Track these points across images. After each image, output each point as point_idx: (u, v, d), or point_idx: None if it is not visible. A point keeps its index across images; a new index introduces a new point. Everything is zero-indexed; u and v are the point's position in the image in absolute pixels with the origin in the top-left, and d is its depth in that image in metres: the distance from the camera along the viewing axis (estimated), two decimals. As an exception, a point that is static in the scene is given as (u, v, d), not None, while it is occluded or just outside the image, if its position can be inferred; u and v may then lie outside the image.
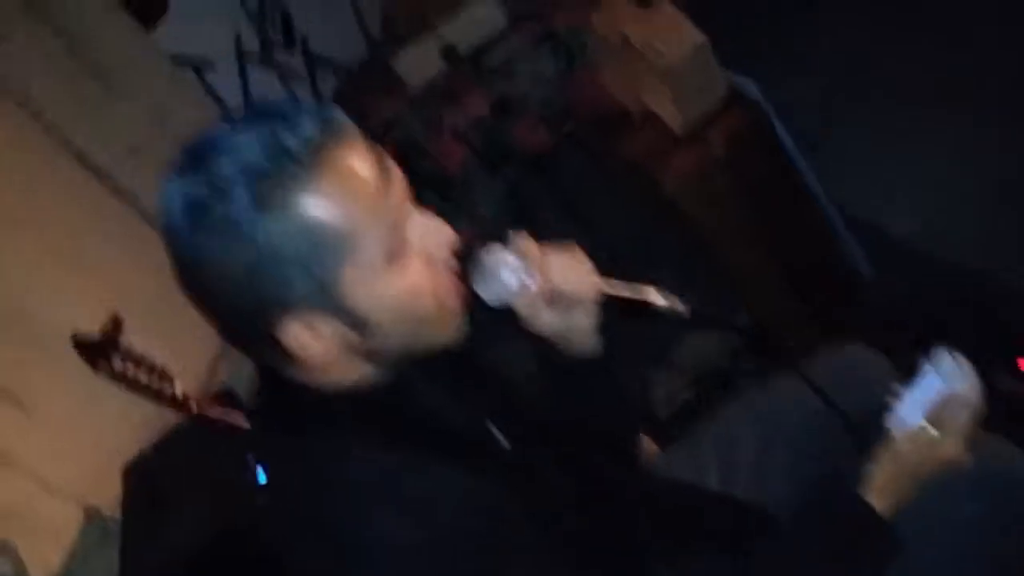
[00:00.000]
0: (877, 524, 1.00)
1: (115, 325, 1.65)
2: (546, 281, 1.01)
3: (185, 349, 1.93)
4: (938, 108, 2.31)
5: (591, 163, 2.32)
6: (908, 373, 1.33)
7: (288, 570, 0.98)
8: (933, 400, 1.01)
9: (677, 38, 1.69)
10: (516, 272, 1.01)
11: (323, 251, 0.85)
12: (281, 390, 0.96)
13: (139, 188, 2.06)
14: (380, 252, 0.87)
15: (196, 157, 0.85)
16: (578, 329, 1.07)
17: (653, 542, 1.17)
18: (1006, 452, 1.09)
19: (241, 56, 2.58)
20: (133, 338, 1.66)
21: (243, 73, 2.58)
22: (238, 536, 1.65)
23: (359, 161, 0.86)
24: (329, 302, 0.87)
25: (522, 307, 1.03)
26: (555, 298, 1.03)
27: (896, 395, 1.04)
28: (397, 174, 0.91)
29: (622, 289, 1.06)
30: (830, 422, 1.22)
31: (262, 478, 1.75)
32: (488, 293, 1.02)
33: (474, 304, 1.02)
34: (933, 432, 0.99)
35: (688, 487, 1.29)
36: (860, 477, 1.02)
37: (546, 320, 1.05)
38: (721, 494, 1.29)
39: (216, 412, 1.78)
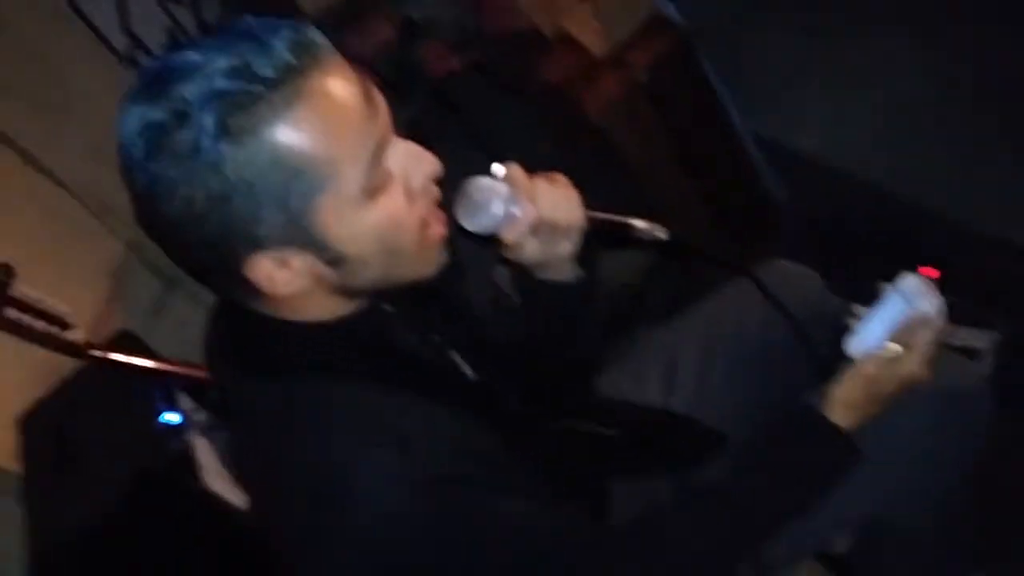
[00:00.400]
0: (842, 442, 1.03)
1: (6, 273, 1.53)
2: (536, 210, 0.99)
3: (76, 294, 1.82)
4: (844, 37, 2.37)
5: (503, 89, 2.25)
6: (841, 290, 1.37)
7: (265, 524, 0.94)
8: (898, 321, 1.02)
9: (602, -44, 1.63)
10: (506, 202, 0.99)
11: (298, 182, 0.80)
12: (246, 326, 0.92)
13: (15, 131, 1.87)
14: (360, 184, 0.83)
15: (156, 80, 0.78)
16: (560, 257, 1.05)
17: (607, 463, 1.18)
18: (958, 369, 1.12)
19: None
20: (23, 286, 1.57)
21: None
22: (156, 482, 1.60)
23: (339, 87, 0.80)
24: (304, 236, 0.83)
25: (509, 236, 1.00)
26: (542, 227, 1.01)
27: (856, 316, 1.05)
28: (380, 101, 0.85)
29: (606, 217, 1.06)
30: (770, 334, 1.25)
31: (172, 420, 1.69)
32: (474, 223, 1.00)
33: (453, 235, 0.99)
34: (899, 352, 1.01)
35: (631, 406, 1.30)
36: (822, 395, 1.03)
37: (530, 249, 1.03)
38: (663, 411, 1.30)
39: (116, 355, 1.70)
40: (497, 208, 0.98)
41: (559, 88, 1.89)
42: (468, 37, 2.20)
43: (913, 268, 1.86)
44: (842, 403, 1.02)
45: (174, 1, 2.52)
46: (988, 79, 2.13)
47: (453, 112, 2.37)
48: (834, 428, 1.02)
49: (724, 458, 1.10)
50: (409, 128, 0.91)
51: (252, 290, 0.85)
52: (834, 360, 1.24)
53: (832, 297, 1.32)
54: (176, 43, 2.51)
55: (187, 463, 1.61)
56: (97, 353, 1.68)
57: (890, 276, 1.92)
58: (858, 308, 1.06)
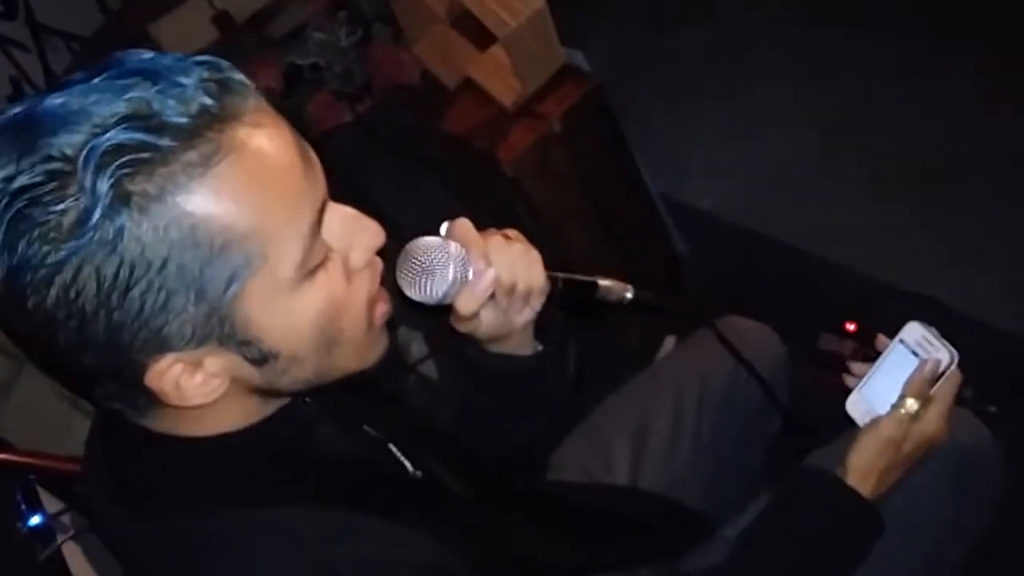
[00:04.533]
0: (869, 515, 0.93)
1: None
2: (493, 273, 0.85)
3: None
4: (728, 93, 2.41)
5: (395, 144, 2.13)
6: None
7: None
8: (911, 374, 0.93)
9: (516, 4, 1.55)
10: (460, 265, 0.84)
11: (219, 263, 0.62)
12: (136, 451, 0.73)
13: None
14: (296, 262, 0.66)
15: (18, 131, 0.59)
16: (518, 327, 0.92)
17: (577, 556, 1.06)
18: (966, 423, 1.05)
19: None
20: None
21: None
22: None
23: (270, 139, 0.64)
24: (224, 332, 0.65)
25: (463, 306, 0.86)
26: (500, 292, 0.87)
27: (859, 376, 0.98)
28: (314, 158, 0.69)
29: (570, 277, 0.94)
30: (736, 392, 1.19)
31: (36, 520, 1.44)
32: (422, 292, 0.85)
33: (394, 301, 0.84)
34: (915, 407, 0.92)
35: (599, 489, 1.18)
36: (838, 463, 0.94)
37: (486, 319, 0.89)
38: (634, 491, 1.19)
39: None
40: (449, 272, 0.84)
41: (463, 140, 1.79)
42: (357, 88, 2.08)
43: (826, 319, 1.90)
44: (863, 472, 0.92)
45: (18, 47, 2.29)
46: (871, 126, 2.19)
47: (337, 169, 2.24)
48: (861, 500, 0.92)
49: (736, 537, 0.98)
50: None
51: (150, 401, 0.68)
52: (804, 417, 1.19)
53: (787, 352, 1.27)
54: (19, 94, 2.28)
55: (59, 574, 1.37)
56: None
57: (805, 328, 1.92)
58: (859, 366, 0.99)
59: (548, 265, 0.92)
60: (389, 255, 0.87)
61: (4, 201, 0.58)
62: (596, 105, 1.72)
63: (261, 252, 0.64)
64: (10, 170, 0.58)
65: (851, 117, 2.23)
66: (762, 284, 2.04)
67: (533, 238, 0.92)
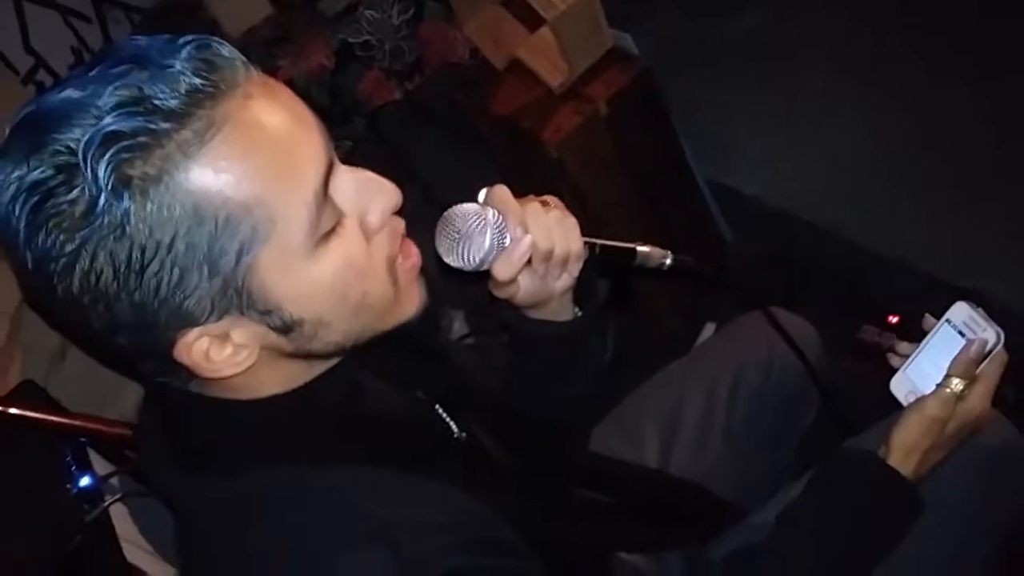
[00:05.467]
0: (908, 493, 0.93)
1: None
2: (530, 239, 0.86)
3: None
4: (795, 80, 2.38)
5: (443, 122, 2.15)
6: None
7: None
8: (956, 354, 0.92)
9: (566, -13, 1.56)
10: (496, 231, 0.85)
11: (227, 236, 0.64)
12: (186, 414, 0.76)
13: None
14: (305, 229, 0.67)
15: (29, 130, 0.62)
16: (557, 293, 0.94)
17: (609, 533, 1.07)
18: (1000, 427, 1.05)
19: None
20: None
21: (20, 16, 2.16)
22: (71, 559, 1.38)
23: (263, 110, 0.65)
24: (244, 303, 0.67)
25: (501, 272, 0.87)
26: (537, 259, 0.88)
27: (903, 355, 0.98)
28: (315, 123, 0.70)
29: (608, 243, 0.94)
30: (772, 380, 1.19)
31: (86, 484, 1.49)
32: (460, 257, 0.86)
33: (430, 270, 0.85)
34: (961, 387, 0.91)
35: (631, 469, 1.19)
36: (880, 441, 0.94)
37: (524, 285, 0.91)
38: (665, 475, 1.20)
39: (18, 409, 1.45)
40: (486, 238, 0.85)
41: (509, 120, 1.80)
42: (407, 65, 2.10)
43: (868, 310, 1.88)
44: (906, 450, 0.92)
45: (79, 18, 2.34)
46: (924, 122, 2.16)
47: (386, 144, 2.26)
48: (901, 479, 0.92)
49: (776, 516, 0.99)
50: (343, 160, 0.78)
51: (190, 375, 0.70)
52: (848, 408, 1.19)
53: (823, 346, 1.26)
54: (81, 64, 2.33)
55: (105, 534, 1.41)
56: (-7, 406, 1.46)
57: (846, 318, 1.90)
58: (904, 345, 0.98)
59: (586, 232, 0.92)
60: (431, 224, 0.89)
61: (21, 198, 0.61)
62: (643, 89, 1.72)
63: (268, 221, 0.65)
64: (22, 168, 0.61)
65: (903, 110, 2.20)
66: (806, 272, 2.02)
67: (576, 217, 0.93)
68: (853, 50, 2.35)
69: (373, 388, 0.85)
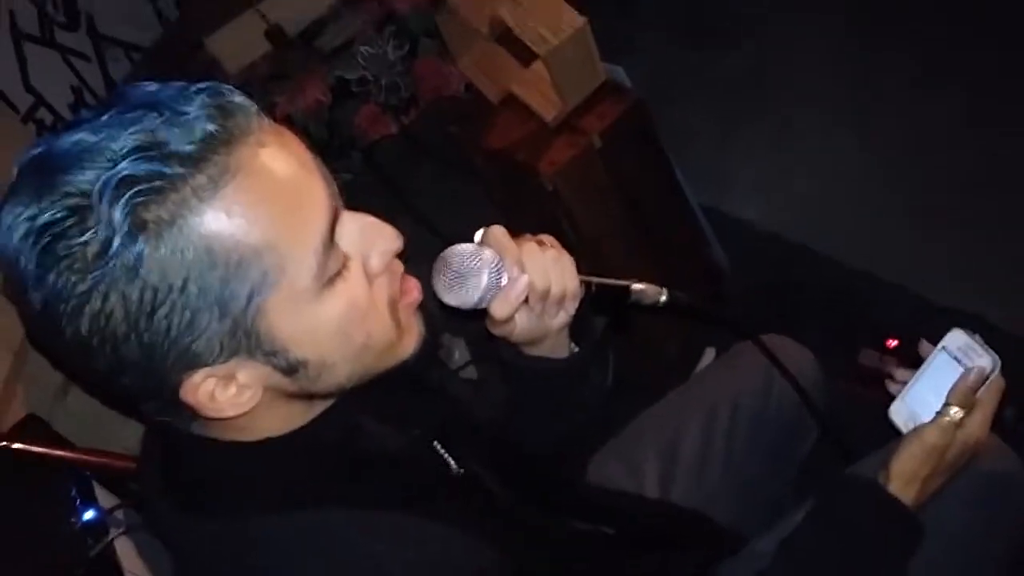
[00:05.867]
0: (910, 522, 0.93)
1: None
2: (527, 278, 0.88)
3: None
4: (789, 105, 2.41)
5: (438, 155, 2.18)
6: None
7: None
8: (954, 382, 0.94)
9: (557, 21, 1.58)
10: (493, 270, 0.87)
11: (238, 280, 0.65)
12: (186, 455, 0.77)
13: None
14: (313, 273, 0.69)
15: (40, 171, 0.62)
16: (553, 331, 0.95)
17: (611, 566, 1.07)
18: (1000, 454, 1.06)
19: (17, 37, 2.18)
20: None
21: (20, 55, 2.19)
22: None
23: (275, 157, 0.67)
24: (251, 345, 0.68)
25: (498, 311, 0.88)
26: (534, 297, 0.89)
27: (902, 382, 0.99)
28: (323, 170, 0.72)
29: (603, 281, 0.95)
30: (769, 409, 1.20)
31: (89, 515, 1.49)
32: (457, 297, 0.88)
33: (432, 309, 0.87)
34: (960, 415, 0.92)
35: (631, 500, 1.20)
36: (878, 469, 0.95)
37: (521, 323, 0.92)
38: (665, 504, 1.20)
39: (22, 444, 1.46)
40: (483, 278, 0.87)
41: (504, 153, 1.82)
42: (403, 100, 2.13)
43: (866, 334, 1.89)
44: (906, 479, 0.93)
45: (79, 56, 2.37)
46: (918, 148, 2.19)
47: (382, 178, 2.29)
48: (902, 507, 0.93)
49: (778, 544, 0.99)
50: (343, 194, 0.79)
51: (192, 415, 0.71)
52: (847, 434, 1.19)
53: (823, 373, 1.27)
54: (80, 103, 2.35)
55: (110, 569, 1.41)
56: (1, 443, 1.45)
57: (844, 342, 1.90)
58: (901, 372, 0.99)
59: (582, 270, 0.94)
60: (429, 257, 0.90)
61: (31, 239, 0.61)
62: (637, 121, 1.74)
63: (278, 266, 0.67)
64: (33, 209, 0.62)
65: (897, 133, 2.23)
66: (802, 297, 2.04)
67: (572, 249, 0.94)
68: (846, 79, 2.39)
69: (371, 427, 0.86)
